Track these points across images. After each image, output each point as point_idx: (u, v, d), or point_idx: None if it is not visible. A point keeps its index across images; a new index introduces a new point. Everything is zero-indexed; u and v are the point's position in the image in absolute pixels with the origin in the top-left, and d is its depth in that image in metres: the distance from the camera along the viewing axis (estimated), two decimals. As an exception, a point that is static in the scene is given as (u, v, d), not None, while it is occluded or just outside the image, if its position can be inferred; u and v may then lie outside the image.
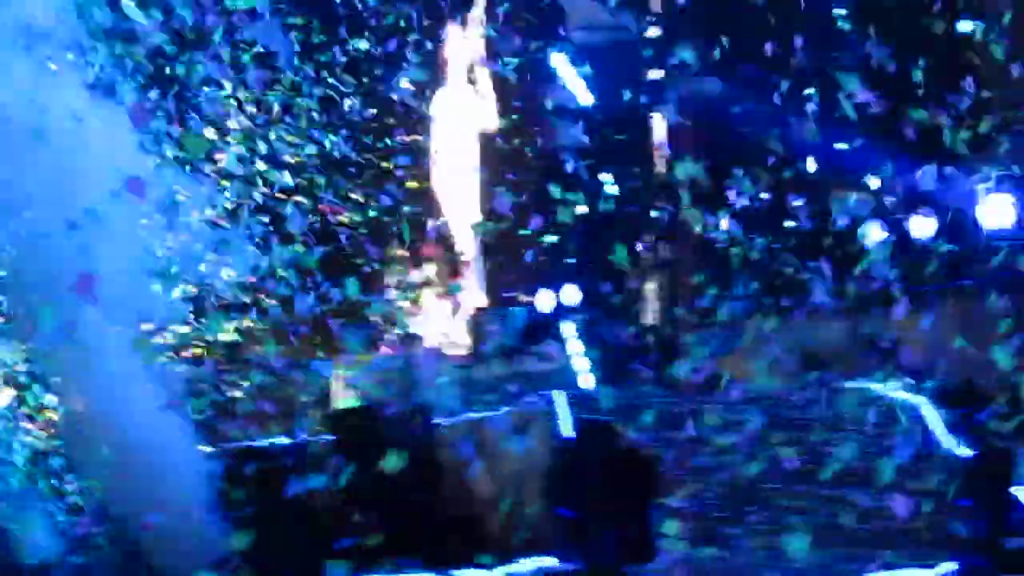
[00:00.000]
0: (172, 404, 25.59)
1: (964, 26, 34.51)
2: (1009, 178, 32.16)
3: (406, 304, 37.54)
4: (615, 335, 32.47)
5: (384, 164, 38.46)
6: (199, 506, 24.15)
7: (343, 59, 37.41)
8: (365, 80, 37.56)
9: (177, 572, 22.42)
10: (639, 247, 36.94)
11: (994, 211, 31.56)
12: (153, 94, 32.35)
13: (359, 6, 37.54)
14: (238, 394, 33.60)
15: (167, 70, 33.24)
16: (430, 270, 34.98)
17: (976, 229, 32.64)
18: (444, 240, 34.40)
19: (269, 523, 24.24)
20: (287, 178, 35.69)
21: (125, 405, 23.08)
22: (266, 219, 33.96)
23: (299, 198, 35.98)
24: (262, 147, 35.19)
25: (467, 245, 34.29)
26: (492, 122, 33.96)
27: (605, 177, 39.52)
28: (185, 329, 32.38)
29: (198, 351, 33.48)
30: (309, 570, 21.00)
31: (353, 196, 37.29)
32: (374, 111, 38.02)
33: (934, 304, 31.51)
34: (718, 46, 34.65)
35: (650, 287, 37.90)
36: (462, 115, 34.35)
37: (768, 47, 32.86)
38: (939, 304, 31.58)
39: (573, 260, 37.27)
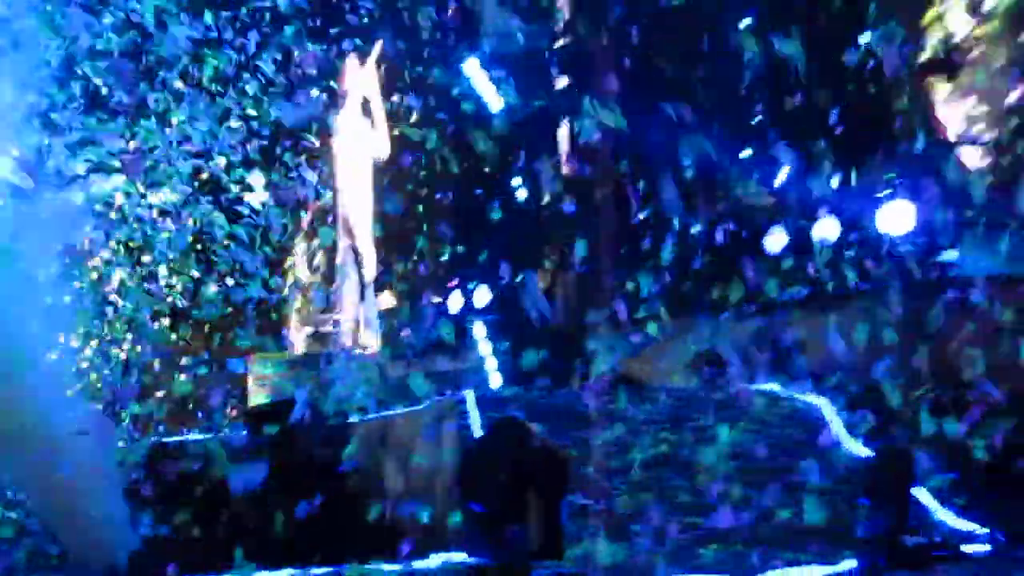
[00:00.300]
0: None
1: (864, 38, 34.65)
2: (906, 186, 32.54)
3: (319, 305, 37.63)
4: (525, 335, 32.57)
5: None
6: (118, 500, 24.26)
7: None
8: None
9: (97, 561, 22.57)
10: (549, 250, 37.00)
11: (889, 219, 31.97)
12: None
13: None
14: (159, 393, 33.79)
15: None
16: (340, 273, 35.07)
17: (877, 235, 32.95)
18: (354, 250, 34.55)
19: (185, 515, 24.50)
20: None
21: (50, 407, 23.24)
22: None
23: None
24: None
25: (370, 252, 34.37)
26: (384, 148, 34.10)
27: (516, 181, 39.68)
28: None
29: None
30: (221, 561, 21.13)
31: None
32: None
33: (837, 308, 31.80)
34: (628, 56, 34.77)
35: (561, 288, 38.02)
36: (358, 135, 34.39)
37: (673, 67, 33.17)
38: (842, 307, 31.83)
39: (484, 262, 37.31)
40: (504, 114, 39.03)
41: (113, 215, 35.27)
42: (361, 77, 33.47)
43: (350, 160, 33.90)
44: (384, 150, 34.21)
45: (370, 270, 33.66)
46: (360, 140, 33.80)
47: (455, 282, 38.94)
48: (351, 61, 34.15)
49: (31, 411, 22.12)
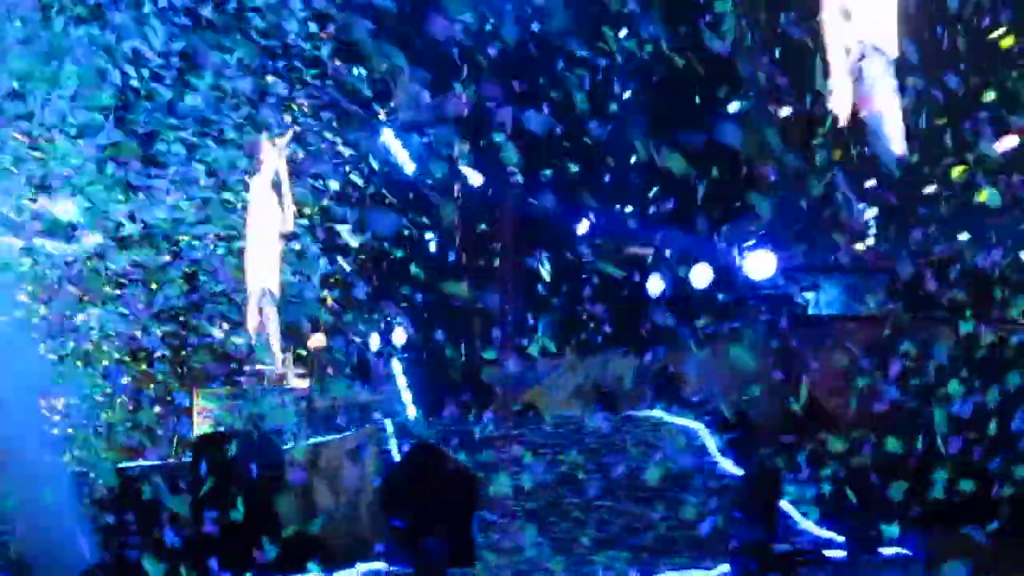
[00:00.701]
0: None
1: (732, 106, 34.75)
2: (767, 238, 32.70)
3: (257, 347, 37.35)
4: (437, 371, 32.45)
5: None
6: (72, 521, 24.13)
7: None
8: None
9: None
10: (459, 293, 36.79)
11: (754, 265, 32.14)
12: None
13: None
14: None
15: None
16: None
17: (741, 280, 33.10)
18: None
19: (136, 532, 24.27)
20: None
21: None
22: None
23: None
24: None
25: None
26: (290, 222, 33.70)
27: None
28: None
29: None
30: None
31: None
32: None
33: (710, 344, 31.88)
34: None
35: (470, 328, 37.77)
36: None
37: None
38: (714, 344, 31.92)
39: (405, 306, 37.10)
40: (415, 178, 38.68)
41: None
42: (272, 152, 33.16)
43: (260, 231, 33.67)
44: (290, 224, 33.89)
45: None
46: (269, 213, 33.58)
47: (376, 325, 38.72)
48: (264, 137, 33.76)
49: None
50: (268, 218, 33.93)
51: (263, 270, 33.92)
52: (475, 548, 13.31)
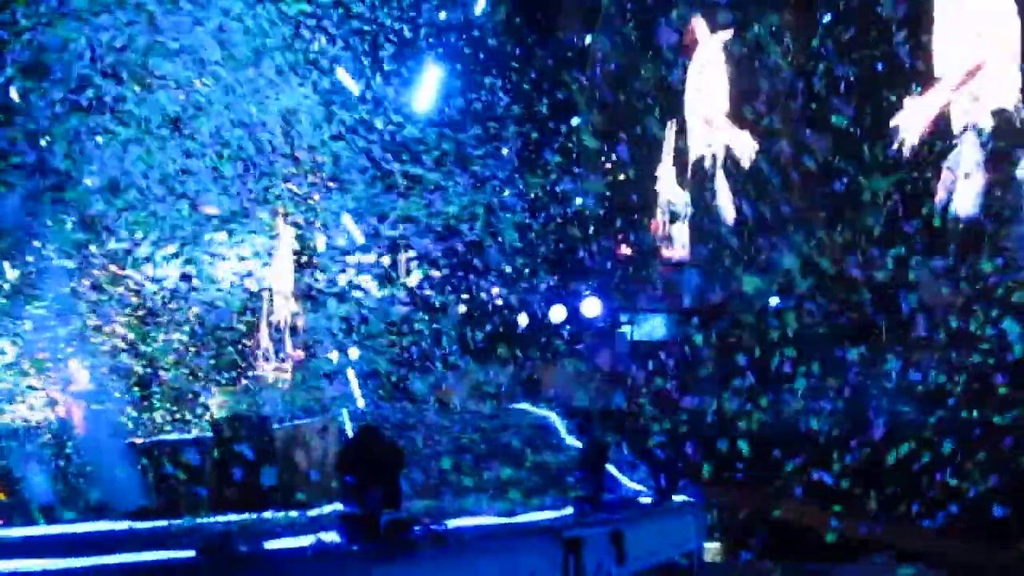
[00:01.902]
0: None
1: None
2: (595, 290, 33.05)
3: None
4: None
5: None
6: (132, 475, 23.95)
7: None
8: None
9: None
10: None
11: (589, 307, 32.45)
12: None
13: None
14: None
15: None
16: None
17: (581, 317, 33.30)
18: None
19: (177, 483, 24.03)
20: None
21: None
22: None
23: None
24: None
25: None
26: None
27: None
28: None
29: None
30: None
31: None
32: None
33: (564, 358, 32.01)
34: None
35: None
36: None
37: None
38: (565, 359, 32.03)
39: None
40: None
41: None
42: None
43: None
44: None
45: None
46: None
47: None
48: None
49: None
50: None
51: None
52: (400, 496, 13.07)
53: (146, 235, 32.38)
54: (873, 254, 28.78)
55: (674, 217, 37.06)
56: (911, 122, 28.36)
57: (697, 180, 35.19)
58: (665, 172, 37.18)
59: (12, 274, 32.60)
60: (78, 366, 32.94)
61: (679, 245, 36.99)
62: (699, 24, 34.56)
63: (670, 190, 37.28)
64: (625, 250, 37.49)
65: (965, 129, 27.63)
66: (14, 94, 27.01)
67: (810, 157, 30.93)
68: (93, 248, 32.25)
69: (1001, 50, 27.33)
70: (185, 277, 33.01)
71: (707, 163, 34.67)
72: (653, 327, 34.83)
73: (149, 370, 33.63)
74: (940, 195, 27.87)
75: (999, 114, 27.54)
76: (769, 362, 27.81)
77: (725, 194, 34.13)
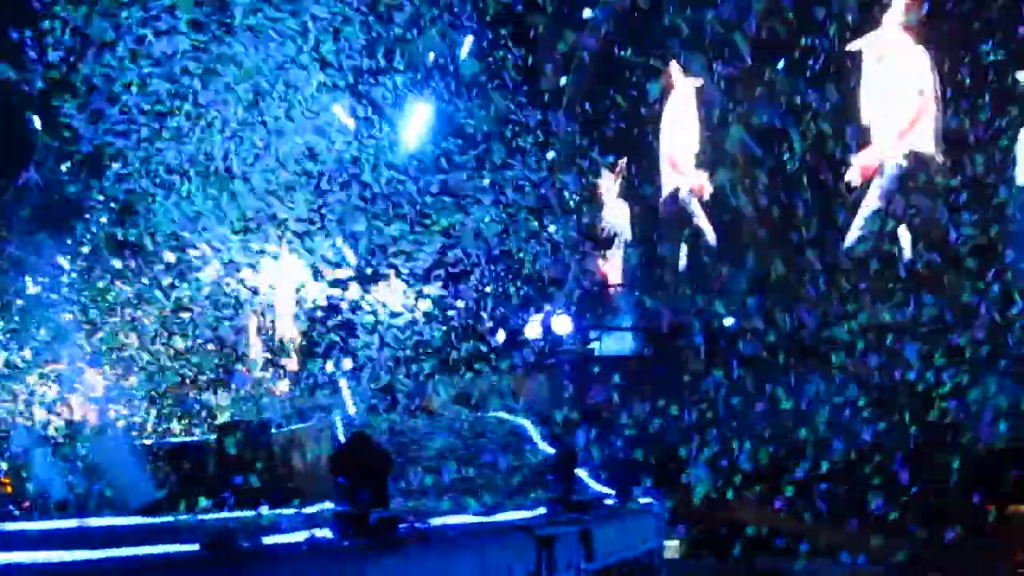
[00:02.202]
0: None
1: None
2: (567, 309, 33.10)
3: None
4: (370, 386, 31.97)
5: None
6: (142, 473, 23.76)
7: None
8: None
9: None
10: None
11: (559, 325, 32.50)
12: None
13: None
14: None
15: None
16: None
17: (552, 333, 33.32)
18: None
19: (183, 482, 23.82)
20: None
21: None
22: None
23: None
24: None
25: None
26: None
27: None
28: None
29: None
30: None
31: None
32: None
33: (537, 372, 32.01)
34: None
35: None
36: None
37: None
38: (539, 372, 32.03)
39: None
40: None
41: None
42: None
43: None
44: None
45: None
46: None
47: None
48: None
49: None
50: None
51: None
52: (388, 496, 12.97)
53: (157, 256, 32.37)
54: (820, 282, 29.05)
55: (608, 243, 37.82)
56: (856, 174, 29.38)
57: (670, 213, 35.59)
58: (611, 204, 38.71)
59: (33, 289, 32.50)
60: (94, 374, 32.82)
61: (617, 270, 38.38)
62: (674, 69, 34.99)
63: (616, 220, 38.08)
64: (595, 272, 37.84)
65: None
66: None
67: (766, 196, 31.13)
68: (115, 264, 32.36)
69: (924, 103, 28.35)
70: (192, 296, 33.03)
71: (681, 196, 35.09)
72: (618, 344, 34.94)
73: (159, 378, 33.50)
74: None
75: (913, 156, 28.40)
76: (720, 376, 27.88)
77: (691, 226, 34.63)
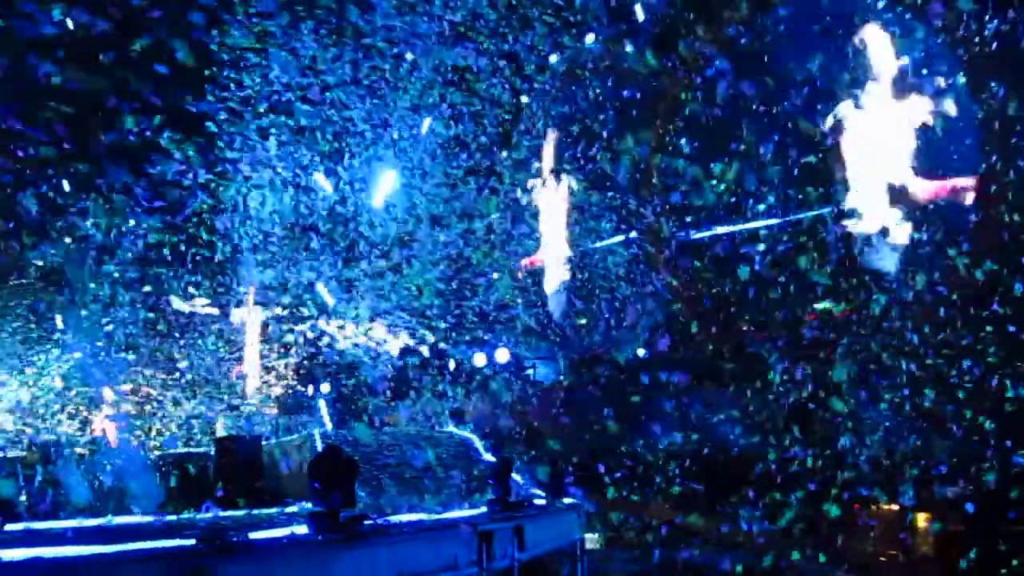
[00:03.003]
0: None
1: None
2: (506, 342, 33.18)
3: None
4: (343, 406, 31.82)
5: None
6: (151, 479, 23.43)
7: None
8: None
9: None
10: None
11: (501, 355, 32.52)
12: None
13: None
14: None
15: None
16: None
17: (495, 362, 33.34)
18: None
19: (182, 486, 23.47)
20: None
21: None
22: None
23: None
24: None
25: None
26: None
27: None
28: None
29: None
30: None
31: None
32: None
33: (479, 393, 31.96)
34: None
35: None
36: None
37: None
38: (482, 393, 31.98)
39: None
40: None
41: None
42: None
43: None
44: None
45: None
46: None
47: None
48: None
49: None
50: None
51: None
52: (355, 497, 12.93)
53: (165, 292, 32.25)
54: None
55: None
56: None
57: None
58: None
59: (60, 323, 32.09)
60: (112, 394, 32.46)
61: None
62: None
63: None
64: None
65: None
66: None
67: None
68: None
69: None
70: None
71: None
72: (548, 371, 34.98)
73: (169, 399, 33.19)
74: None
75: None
76: (631, 398, 28.04)
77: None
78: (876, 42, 25.00)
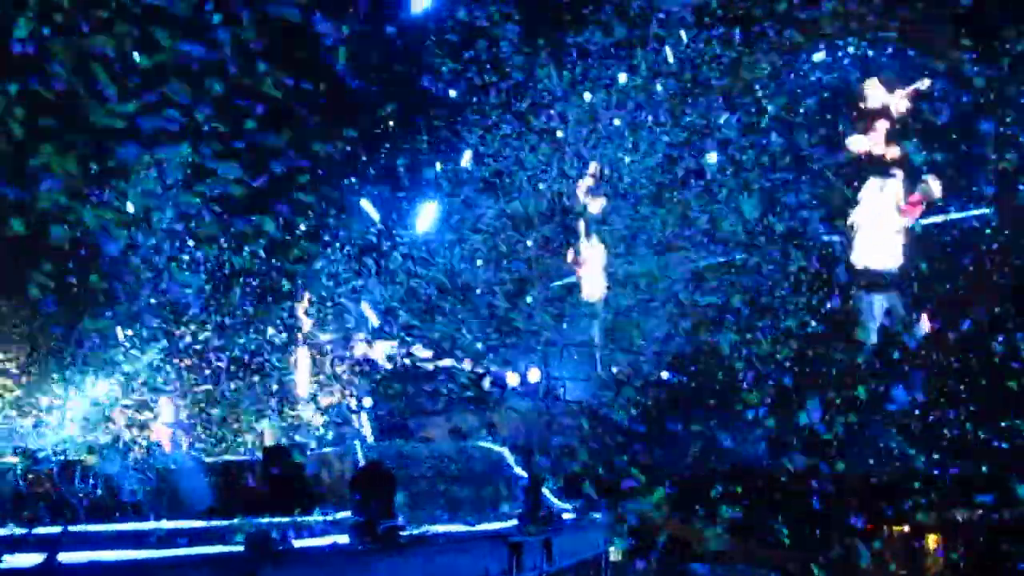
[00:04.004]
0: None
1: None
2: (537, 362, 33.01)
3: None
4: (382, 420, 31.82)
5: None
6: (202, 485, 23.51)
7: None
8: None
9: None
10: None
11: (532, 375, 32.40)
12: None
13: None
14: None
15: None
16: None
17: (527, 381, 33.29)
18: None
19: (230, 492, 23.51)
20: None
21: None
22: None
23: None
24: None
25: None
26: None
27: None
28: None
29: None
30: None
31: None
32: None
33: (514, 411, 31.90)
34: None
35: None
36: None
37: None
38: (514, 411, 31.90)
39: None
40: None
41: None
42: None
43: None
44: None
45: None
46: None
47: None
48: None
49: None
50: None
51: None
52: (394, 508, 12.97)
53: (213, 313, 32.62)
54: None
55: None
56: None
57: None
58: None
59: (121, 335, 32.43)
60: (166, 402, 32.74)
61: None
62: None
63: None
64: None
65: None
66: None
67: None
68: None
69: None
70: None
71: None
72: (578, 390, 34.76)
73: (219, 407, 33.41)
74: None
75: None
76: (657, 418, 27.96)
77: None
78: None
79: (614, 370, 33.13)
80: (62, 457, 23.25)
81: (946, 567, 22.06)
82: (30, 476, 21.50)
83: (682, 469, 25.51)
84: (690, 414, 27.16)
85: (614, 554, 23.34)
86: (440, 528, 14.85)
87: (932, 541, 23.08)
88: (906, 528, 23.29)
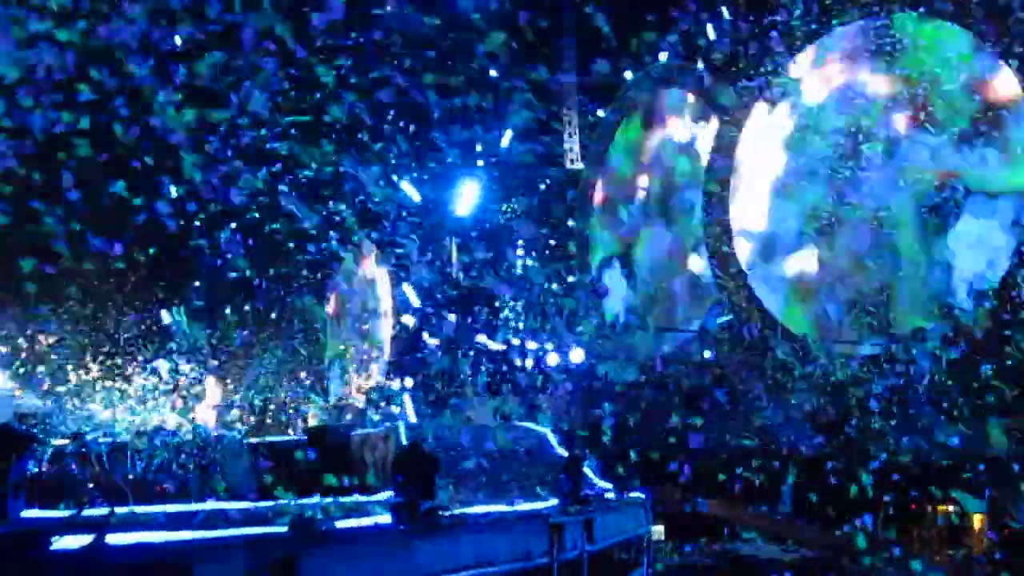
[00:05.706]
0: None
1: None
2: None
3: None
4: (426, 401, 31.97)
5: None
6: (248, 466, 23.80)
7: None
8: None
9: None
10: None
11: (575, 355, 32.32)
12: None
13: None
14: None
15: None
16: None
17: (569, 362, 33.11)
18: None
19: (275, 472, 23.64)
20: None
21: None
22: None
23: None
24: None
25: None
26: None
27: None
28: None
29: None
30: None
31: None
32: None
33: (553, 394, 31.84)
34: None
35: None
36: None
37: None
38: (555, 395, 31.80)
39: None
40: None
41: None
42: None
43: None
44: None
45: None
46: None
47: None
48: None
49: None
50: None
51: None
52: (435, 490, 12.98)
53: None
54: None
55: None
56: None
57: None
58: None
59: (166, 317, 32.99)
60: (213, 386, 33.11)
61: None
62: None
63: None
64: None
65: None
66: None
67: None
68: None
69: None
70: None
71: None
72: (621, 371, 34.50)
73: (265, 391, 33.81)
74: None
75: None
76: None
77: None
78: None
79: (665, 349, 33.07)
80: (111, 439, 23.63)
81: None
82: (80, 459, 21.91)
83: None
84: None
85: (656, 534, 23.30)
86: (481, 509, 14.81)
87: (977, 521, 22.85)
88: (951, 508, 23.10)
